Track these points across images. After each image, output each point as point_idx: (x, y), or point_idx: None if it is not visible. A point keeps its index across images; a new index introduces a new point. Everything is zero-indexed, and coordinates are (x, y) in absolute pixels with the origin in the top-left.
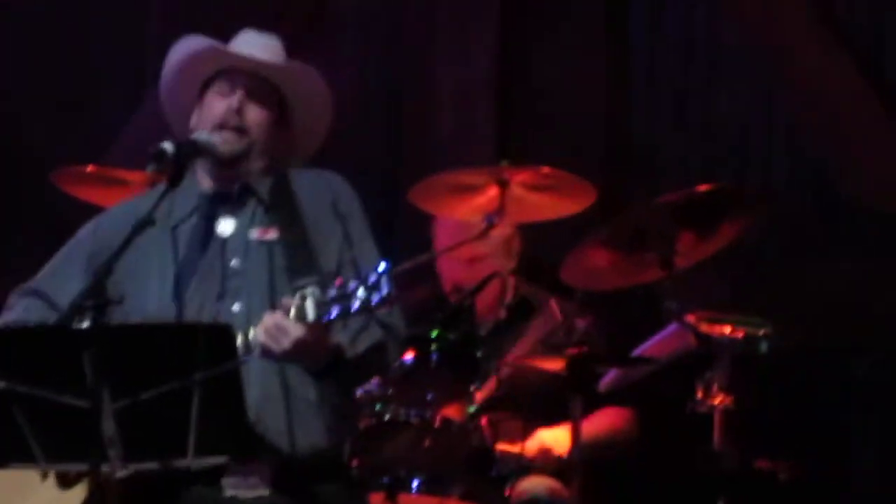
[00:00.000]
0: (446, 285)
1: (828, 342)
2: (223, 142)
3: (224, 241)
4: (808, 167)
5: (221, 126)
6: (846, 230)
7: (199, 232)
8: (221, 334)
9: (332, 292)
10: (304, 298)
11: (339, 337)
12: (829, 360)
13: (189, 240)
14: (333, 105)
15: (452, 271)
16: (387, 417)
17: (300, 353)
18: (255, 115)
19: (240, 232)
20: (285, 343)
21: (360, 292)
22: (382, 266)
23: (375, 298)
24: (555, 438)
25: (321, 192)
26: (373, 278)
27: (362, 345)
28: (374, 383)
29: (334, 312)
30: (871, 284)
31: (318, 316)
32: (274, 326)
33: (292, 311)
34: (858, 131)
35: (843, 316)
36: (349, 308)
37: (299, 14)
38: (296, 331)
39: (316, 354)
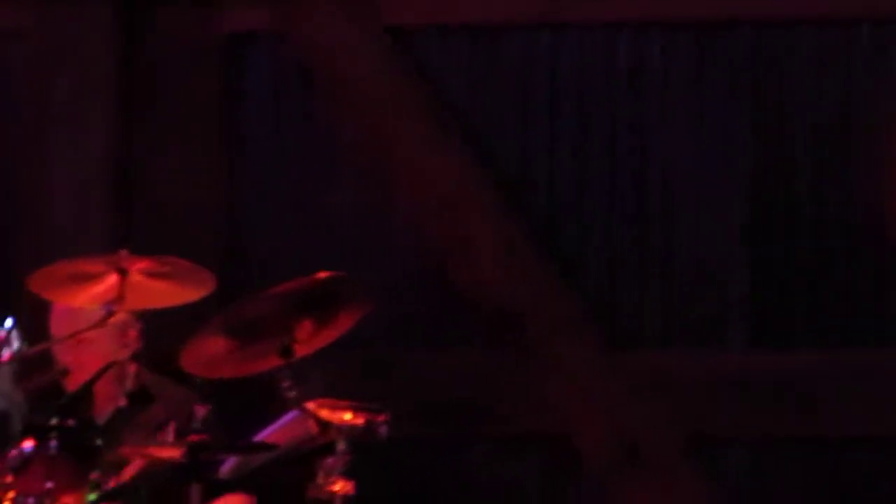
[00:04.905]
0: None
1: (443, 430)
2: None
3: None
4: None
5: None
6: (459, 322)
7: None
8: None
9: None
10: None
11: None
12: (444, 449)
13: None
14: None
15: (59, 353)
16: None
17: None
18: None
19: None
20: None
21: None
22: (9, 322)
23: (5, 353)
24: None
25: None
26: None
27: None
28: None
29: None
30: (480, 376)
31: None
32: None
33: None
34: (474, 226)
35: (455, 405)
36: None
37: None
38: None
39: None
